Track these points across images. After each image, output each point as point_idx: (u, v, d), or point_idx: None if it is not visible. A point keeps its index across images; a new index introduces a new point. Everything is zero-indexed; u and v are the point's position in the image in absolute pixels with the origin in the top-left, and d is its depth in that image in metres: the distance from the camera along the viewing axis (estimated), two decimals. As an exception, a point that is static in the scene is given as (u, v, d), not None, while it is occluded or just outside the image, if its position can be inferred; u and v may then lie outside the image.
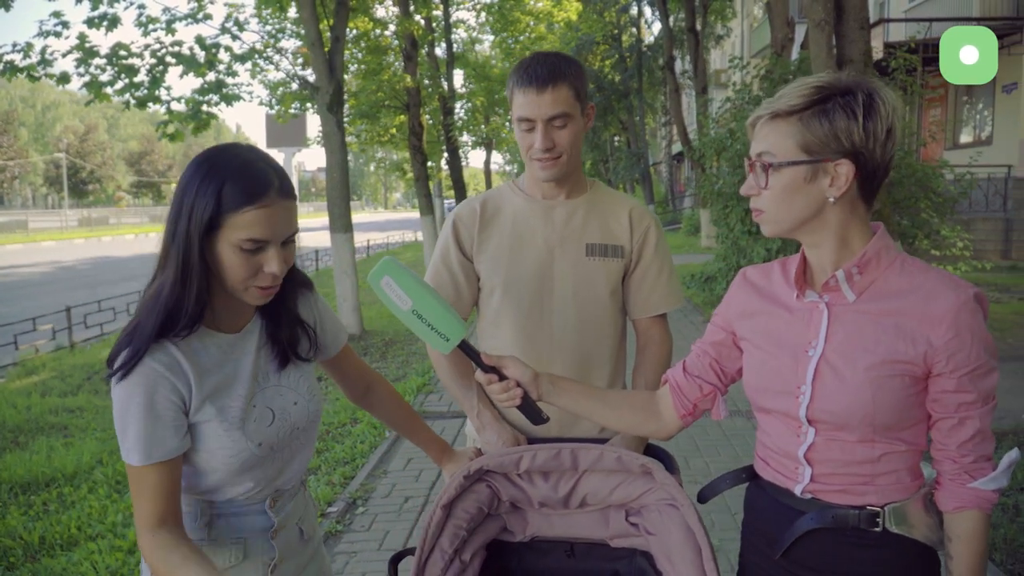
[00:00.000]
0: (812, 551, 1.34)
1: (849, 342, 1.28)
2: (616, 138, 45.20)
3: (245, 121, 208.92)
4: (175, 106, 8.80)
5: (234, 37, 8.36)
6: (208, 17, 8.04)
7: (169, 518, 1.34)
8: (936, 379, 1.25)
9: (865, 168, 1.25)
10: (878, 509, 1.29)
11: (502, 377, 1.49)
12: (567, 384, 1.56)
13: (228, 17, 8.16)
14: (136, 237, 39.30)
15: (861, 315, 1.29)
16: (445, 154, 18.17)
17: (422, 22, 15.12)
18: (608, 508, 1.58)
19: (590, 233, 1.90)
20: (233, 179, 1.31)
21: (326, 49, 8.41)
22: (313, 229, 44.10)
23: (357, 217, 66.12)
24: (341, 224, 8.86)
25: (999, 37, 15.25)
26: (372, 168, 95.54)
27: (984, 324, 1.25)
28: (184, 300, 1.34)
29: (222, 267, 1.35)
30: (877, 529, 1.29)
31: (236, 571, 1.46)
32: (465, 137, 20.31)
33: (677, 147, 38.95)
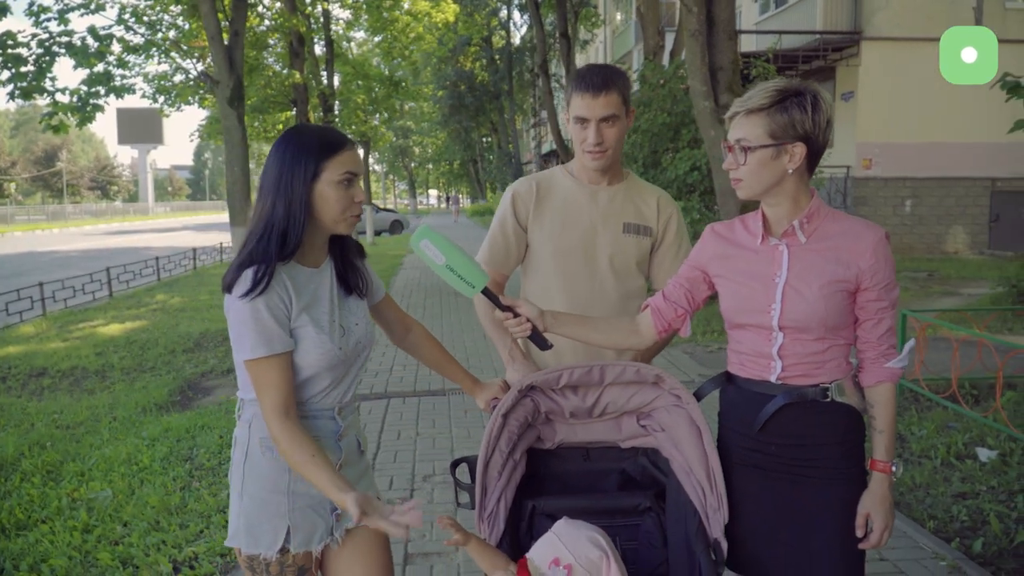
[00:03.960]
0: (780, 423, 1.84)
1: (805, 271, 1.81)
2: (486, 138, 46.03)
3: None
4: (60, 97, 8.56)
5: (128, 28, 8.21)
6: (101, 8, 7.84)
7: (291, 409, 1.76)
8: (863, 292, 1.80)
9: (812, 148, 1.78)
10: (828, 385, 1.83)
11: (516, 315, 1.93)
12: (565, 317, 2.03)
13: (123, 8, 8.02)
14: (-26, 239, 36.23)
15: (811, 252, 1.82)
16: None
17: (302, 18, 15.09)
18: (622, 415, 2.03)
19: (626, 214, 2.33)
20: (323, 138, 1.81)
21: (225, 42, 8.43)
22: (173, 230, 42.36)
23: (219, 217, 63.44)
24: (242, 218, 8.89)
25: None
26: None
27: (891, 253, 1.81)
28: (292, 228, 1.78)
29: (325, 204, 1.80)
30: (827, 400, 1.83)
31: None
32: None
33: (546, 147, 40.19)
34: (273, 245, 1.76)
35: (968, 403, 5.49)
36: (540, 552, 1.70)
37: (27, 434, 5.66)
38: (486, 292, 1.91)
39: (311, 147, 1.79)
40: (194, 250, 19.22)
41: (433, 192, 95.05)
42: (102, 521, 4.03)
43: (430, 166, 66.34)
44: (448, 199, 75.11)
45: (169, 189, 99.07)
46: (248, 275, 1.73)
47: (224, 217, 60.99)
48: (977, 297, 10.51)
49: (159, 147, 77.58)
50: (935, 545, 3.52)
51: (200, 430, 5.51)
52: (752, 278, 1.86)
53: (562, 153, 21.94)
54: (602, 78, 2.17)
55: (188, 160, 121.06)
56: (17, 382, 7.33)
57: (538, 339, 1.95)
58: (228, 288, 1.77)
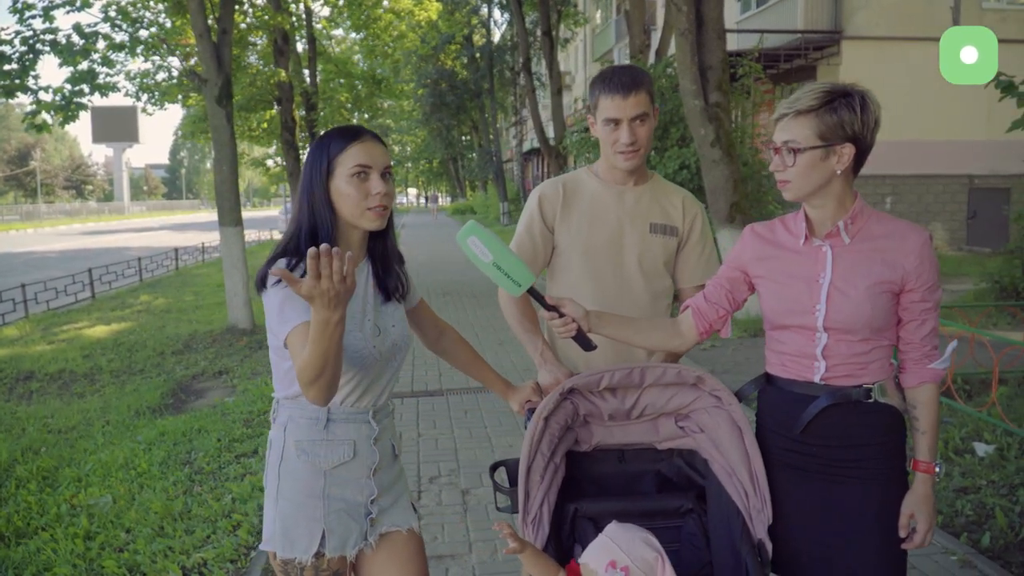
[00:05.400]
0: (822, 425, 1.84)
1: (850, 271, 1.80)
2: (466, 137, 45.95)
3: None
4: (43, 96, 8.42)
5: (115, 26, 8.08)
6: (87, 4, 7.71)
7: None
8: (907, 293, 1.80)
9: (860, 148, 1.78)
10: (871, 386, 1.83)
11: (561, 315, 1.92)
12: (608, 317, 2.01)
13: (108, 5, 7.88)
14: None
15: (855, 252, 1.82)
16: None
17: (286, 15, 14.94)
18: (659, 416, 2.02)
19: (653, 214, 2.32)
20: (335, 134, 1.85)
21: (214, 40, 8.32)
22: (150, 229, 41.81)
23: (196, 217, 62.79)
24: (231, 218, 8.78)
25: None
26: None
27: (935, 255, 1.82)
28: (320, 224, 1.81)
29: (341, 199, 1.81)
30: (870, 400, 1.83)
31: (347, 467, 1.86)
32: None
33: (527, 145, 40.14)
34: (304, 242, 1.78)
35: (962, 398, 5.56)
36: (594, 556, 1.69)
37: (19, 439, 5.57)
38: (531, 291, 1.89)
39: (325, 145, 1.83)
40: (176, 250, 19.03)
41: (412, 191, 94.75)
42: (104, 528, 3.97)
43: (409, 164, 66.06)
44: (427, 197, 74.91)
45: (145, 188, 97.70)
46: (281, 263, 1.76)
47: (202, 217, 60.79)
48: (961, 293, 10.64)
49: (134, 145, 76.52)
50: (944, 540, 3.56)
51: (196, 433, 5.45)
52: (795, 279, 1.86)
53: (545, 151, 21.92)
54: (631, 78, 2.18)
55: (164, 159, 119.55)
56: (4, 386, 7.21)
57: (582, 340, 1.94)
58: (263, 281, 1.77)
